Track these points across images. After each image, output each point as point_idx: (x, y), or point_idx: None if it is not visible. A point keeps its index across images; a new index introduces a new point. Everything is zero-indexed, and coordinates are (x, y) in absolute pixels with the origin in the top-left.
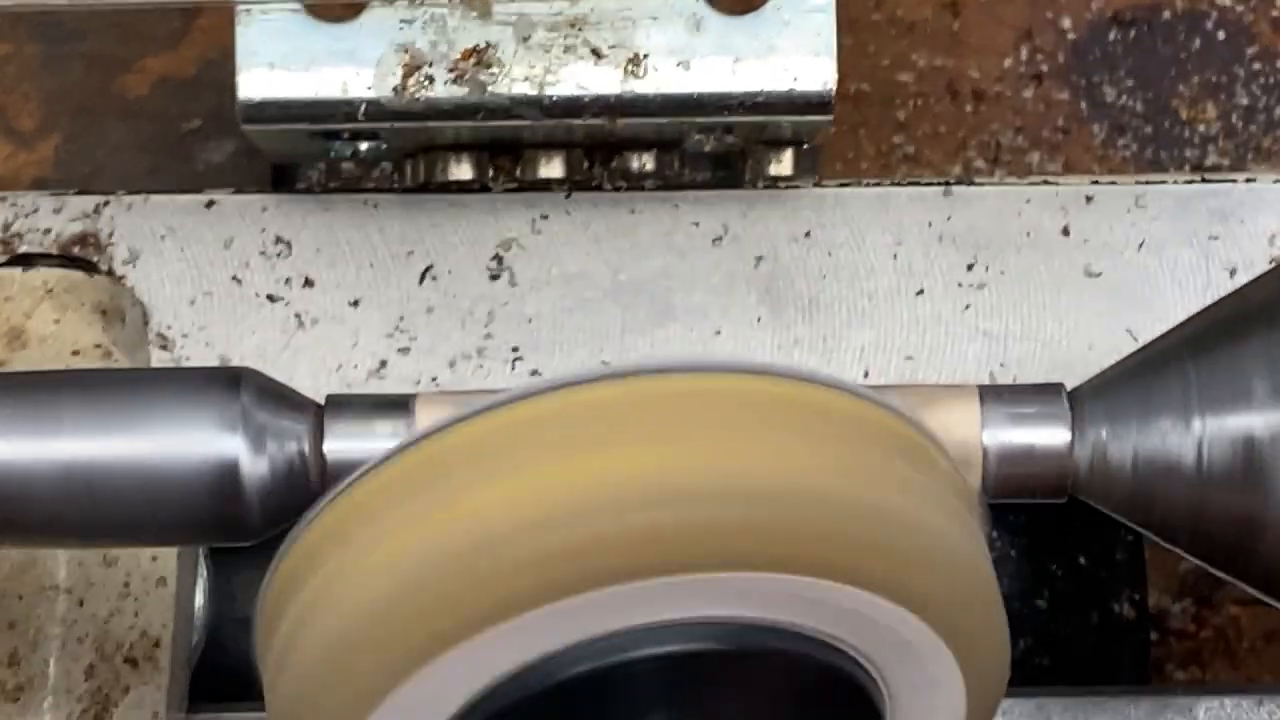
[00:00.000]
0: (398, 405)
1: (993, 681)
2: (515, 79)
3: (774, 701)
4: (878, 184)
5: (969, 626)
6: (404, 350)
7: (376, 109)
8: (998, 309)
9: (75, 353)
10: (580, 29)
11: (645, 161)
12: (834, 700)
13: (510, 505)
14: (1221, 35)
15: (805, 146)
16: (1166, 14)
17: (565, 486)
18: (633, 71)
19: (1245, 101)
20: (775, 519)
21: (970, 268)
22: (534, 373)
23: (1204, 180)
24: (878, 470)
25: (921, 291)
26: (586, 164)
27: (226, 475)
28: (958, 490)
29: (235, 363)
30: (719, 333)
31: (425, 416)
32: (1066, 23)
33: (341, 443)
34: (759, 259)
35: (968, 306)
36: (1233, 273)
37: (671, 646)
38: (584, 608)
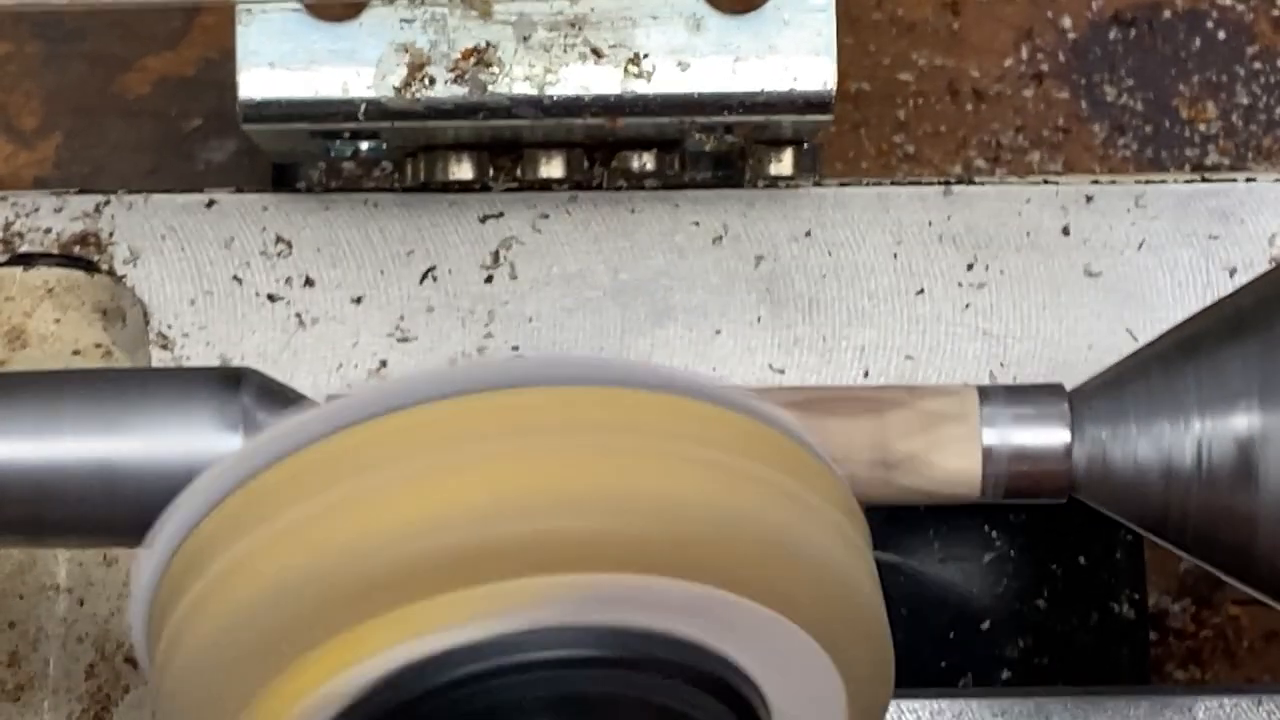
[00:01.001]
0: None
1: (876, 687)
2: (515, 79)
3: (649, 708)
4: (878, 183)
5: (844, 628)
6: (405, 350)
7: (377, 109)
8: (998, 309)
9: (76, 352)
10: (580, 29)
11: (645, 161)
12: (713, 706)
13: (382, 514)
14: (1222, 34)
15: (805, 146)
16: (1167, 13)
17: (431, 495)
18: (633, 71)
19: (1245, 101)
20: (618, 523)
21: (970, 267)
22: None
23: (1204, 180)
24: (730, 471)
25: (921, 291)
26: (587, 164)
27: None
28: (828, 494)
29: (236, 362)
30: (719, 332)
31: None
32: (1067, 22)
33: None
34: (759, 258)
35: (968, 306)
36: (1233, 273)
37: (544, 653)
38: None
